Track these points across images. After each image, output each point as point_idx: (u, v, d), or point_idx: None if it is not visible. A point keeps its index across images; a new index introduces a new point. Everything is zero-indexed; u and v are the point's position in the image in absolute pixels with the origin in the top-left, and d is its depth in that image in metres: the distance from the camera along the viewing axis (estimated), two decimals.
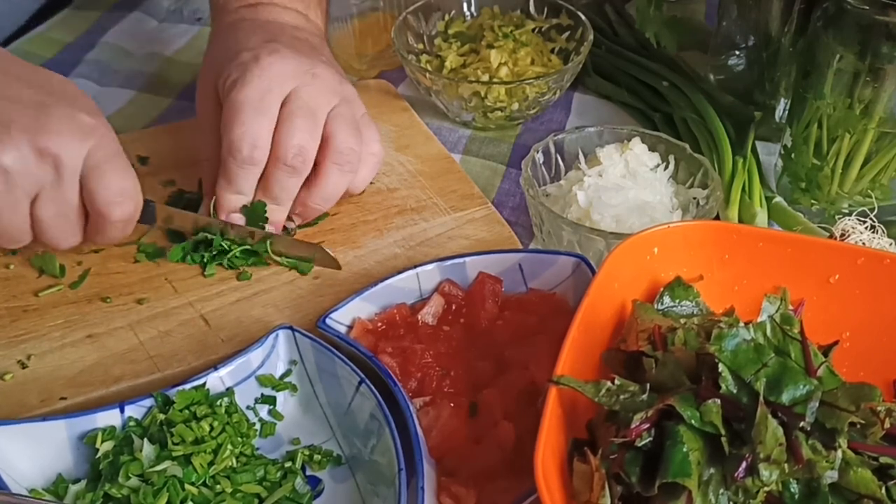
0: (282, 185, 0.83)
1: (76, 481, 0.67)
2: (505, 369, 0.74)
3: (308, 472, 0.71)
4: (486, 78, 1.06)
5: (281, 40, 0.87)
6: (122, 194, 0.75)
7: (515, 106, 1.06)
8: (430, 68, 1.08)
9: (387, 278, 0.79)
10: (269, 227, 0.85)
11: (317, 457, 0.71)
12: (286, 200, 0.85)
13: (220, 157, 0.83)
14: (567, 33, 1.13)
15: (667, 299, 0.70)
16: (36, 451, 0.67)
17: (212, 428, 0.68)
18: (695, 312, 0.70)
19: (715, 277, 0.72)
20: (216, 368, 0.72)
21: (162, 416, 0.68)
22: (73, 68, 1.20)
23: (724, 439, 0.56)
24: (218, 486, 0.66)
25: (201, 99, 0.89)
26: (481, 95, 1.05)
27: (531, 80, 1.03)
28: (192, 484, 0.65)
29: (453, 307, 0.79)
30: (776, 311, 0.70)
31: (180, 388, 0.70)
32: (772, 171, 1.01)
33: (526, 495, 0.64)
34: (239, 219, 0.84)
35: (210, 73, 0.87)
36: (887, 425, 0.59)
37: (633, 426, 0.57)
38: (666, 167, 0.92)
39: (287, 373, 0.75)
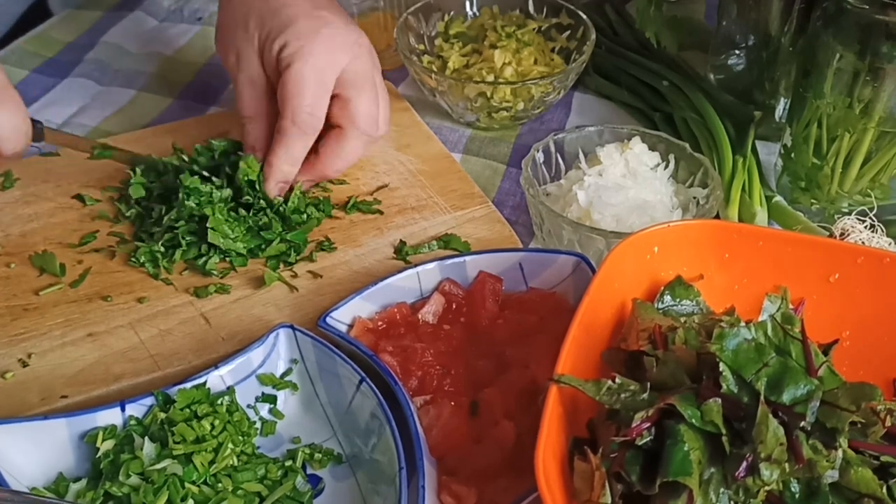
0: (357, 147, 0.91)
1: (77, 480, 0.67)
2: (505, 368, 0.74)
3: (309, 471, 0.71)
4: (490, 78, 1.06)
5: (320, 3, 0.90)
6: (13, 130, 0.78)
7: (521, 106, 1.06)
8: (433, 69, 1.08)
9: (387, 277, 0.79)
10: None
11: (317, 455, 0.71)
12: (355, 161, 0.93)
13: (267, 115, 0.89)
14: (567, 32, 1.13)
15: (667, 298, 0.70)
16: (37, 450, 0.67)
17: (212, 427, 0.68)
18: (695, 311, 0.70)
19: (715, 277, 0.72)
20: (217, 367, 0.72)
21: (163, 415, 0.68)
22: (73, 68, 1.20)
23: (724, 439, 0.56)
24: (219, 485, 0.66)
25: (233, 48, 0.91)
26: (487, 96, 1.05)
27: (536, 80, 1.03)
28: (193, 482, 0.65)
29: (454, 306, 0.80)
30: (777, 311, 0.70)
31: (181, 386, 0.70)
32: (772, 171, 1.01)
33: (526, 494, 0.64)
34: (284, 187, 0.89)
35: (246, 24, 0.89)
36: (888, 424, 0.59)
37: (633, 425, 0.57)
38: (666, 166, 0.92)
39: (288, 371, 0.75)
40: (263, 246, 0.86)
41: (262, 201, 0.87)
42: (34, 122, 0.83)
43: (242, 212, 0.86)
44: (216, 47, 0.94)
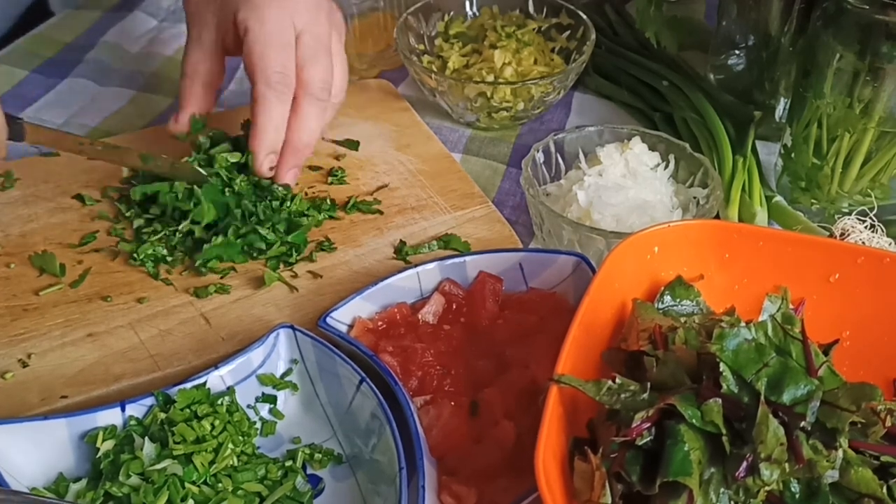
0: (315, 114, 0.88)
1: (77, 480, 0.67)
2: (505, 368, 0.74)
3: (309, 471, 0.71)
4: (490, 78, 1.06)
5: None
6: None
7: (521, 106, 1.06)
8: (433, 69, 1.08)
9: (387, 277, 0.79)
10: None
11: (317, 455, 0.71)
12: (318, 130, 0.90)
13: (205, 74, 0.89)
14: (567, 32, 1.13)
15: (667, 298, 0.70)
16: (37, 450, 0.67)
17: (213, 427, 0.68)
18: (695, 312, 0.70)
19: (715, 277, 0.72)
20: (217, 367, 0.72)
21: (163, 415, 0.68)
22: (73, 68, 1.20)
23: (725, 439, 0.56)
24: (219, 485, 0.66)
25: (192, 3, 0.91)
26: (487, 96, 1.05)
27: (536, 80, 1.03)
28: (193, 483, 0.65)
29: (454, 306, 0.80)
30: (777, 311, 0.70)
31: (181, 386, 0.70)
32: (772, 171, 1.01)
33: (526, 494, 0.64)
34: (273, 160, 0.88)
35: None
36: (888, 424, 0.59)
37: (633, 425, 0.57)
38: (666, 166, 0.92)
39: (288, 372, 0.75)
40: (265, 247, 0.86)
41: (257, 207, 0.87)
42: (14, 119, 0.80)
43: (245, 212, 0.86)
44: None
